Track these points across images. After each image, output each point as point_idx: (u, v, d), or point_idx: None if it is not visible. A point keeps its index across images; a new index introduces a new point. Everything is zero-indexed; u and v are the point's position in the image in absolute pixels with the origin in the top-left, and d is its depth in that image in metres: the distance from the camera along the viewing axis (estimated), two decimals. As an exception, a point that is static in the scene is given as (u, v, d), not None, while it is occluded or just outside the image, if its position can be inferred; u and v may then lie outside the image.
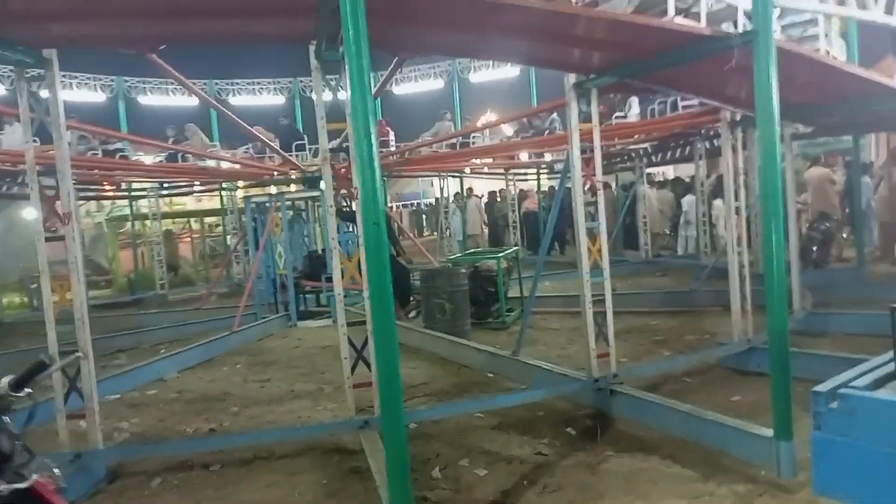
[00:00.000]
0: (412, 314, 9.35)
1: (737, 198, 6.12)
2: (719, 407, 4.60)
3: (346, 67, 3.01)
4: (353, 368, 4.59)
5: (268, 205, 9.86)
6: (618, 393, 4.99)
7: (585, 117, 5.14)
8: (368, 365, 4.51)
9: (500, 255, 8.97)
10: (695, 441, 4.27)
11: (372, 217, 3.08)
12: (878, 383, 2.98)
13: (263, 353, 8.09)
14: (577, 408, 5.16)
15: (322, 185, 6.39)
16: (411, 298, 9.47)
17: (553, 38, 4.17)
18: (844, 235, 11.44)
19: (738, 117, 6.41)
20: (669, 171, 22.16)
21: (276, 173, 10.10)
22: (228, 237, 16.15)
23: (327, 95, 4.60)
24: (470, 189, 20.18)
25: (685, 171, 20.97)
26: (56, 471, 1.89)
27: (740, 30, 4.00)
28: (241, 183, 13.82)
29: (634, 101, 13.29)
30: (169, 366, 7.31)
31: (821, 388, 2.95)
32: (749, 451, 3.98)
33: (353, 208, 10.31)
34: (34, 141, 4.34)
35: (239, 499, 4.01)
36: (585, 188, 5.16)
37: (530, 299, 6.18)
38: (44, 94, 4.35)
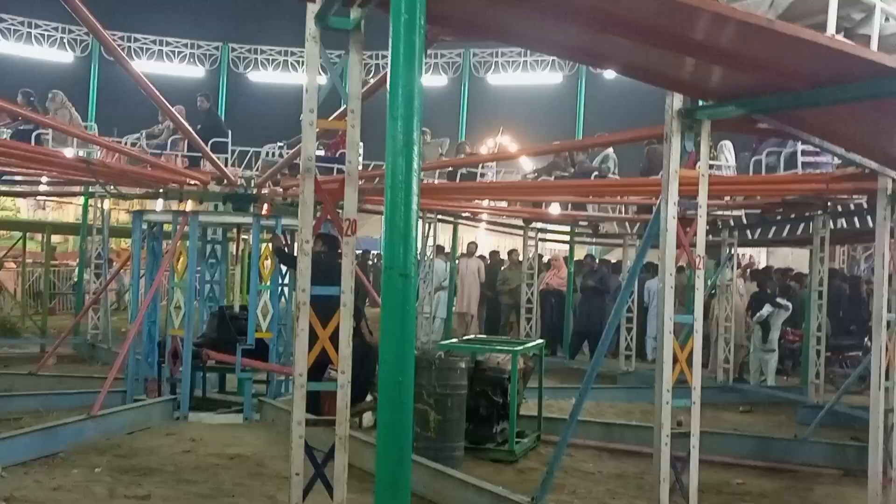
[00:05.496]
0: (367, 419, 9.41)
1: (890, 307, 6.45)
2: None
3: (391, 36, 3.24)
4: (305, 493, 4.63)
5: (164, 227, 9.99)
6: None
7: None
8: (331, 490, 4.55)
9: (519, 348, 9.11)
10: None
11: (399, 265, 3.20)
12: None
13: (136, 455, 8.07)
14: None
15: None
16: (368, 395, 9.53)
17: (658, 38, 4.35)
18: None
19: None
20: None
21: (189, 181, 10.25)
22: (86, 270, 16.05)
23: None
24: (473, 244, 20.25)
25: (780, 258, 21.58)
26: None
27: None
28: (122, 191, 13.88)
29: (727, 146, 13.69)
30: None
31: None
32: None
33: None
34: None
35: None
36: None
37: (571, 423, 6.23)
38: None
